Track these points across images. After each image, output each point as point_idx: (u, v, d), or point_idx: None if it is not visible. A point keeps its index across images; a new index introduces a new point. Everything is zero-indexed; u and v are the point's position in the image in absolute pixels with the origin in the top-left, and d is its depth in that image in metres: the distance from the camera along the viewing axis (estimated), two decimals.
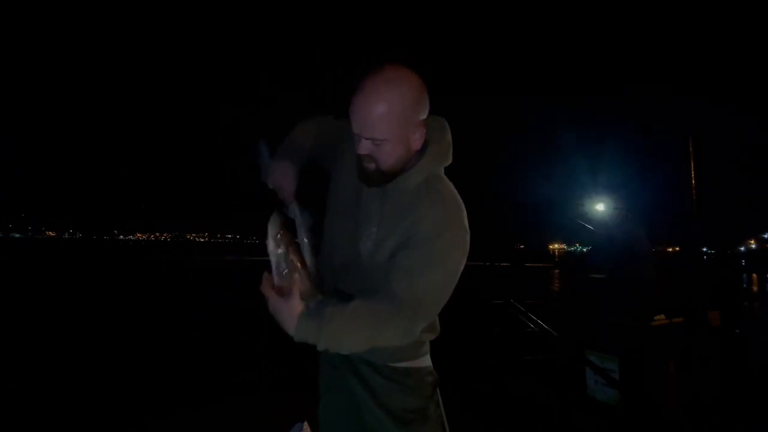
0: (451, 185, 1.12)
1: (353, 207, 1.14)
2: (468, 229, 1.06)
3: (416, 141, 1.06)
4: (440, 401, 1.20)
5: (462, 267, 1.05)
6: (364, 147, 1.03)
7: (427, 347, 1.20)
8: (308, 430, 1.32)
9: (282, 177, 1.12)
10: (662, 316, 3.04)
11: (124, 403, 3.50)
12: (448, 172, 1.15)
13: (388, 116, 0.98)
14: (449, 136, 1.14)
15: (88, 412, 3.32)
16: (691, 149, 3.03)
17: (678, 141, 3.09)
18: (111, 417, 3.18)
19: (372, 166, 1.05)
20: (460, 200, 1.10)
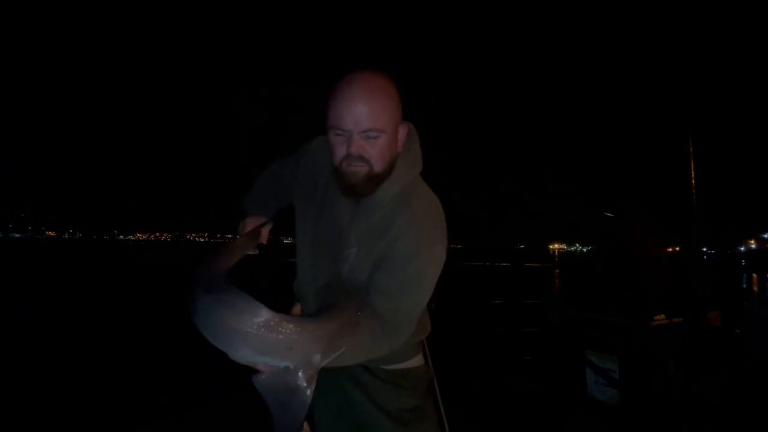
0: (427, 194, 1.10)
1: (322, 230, 1.11)
2: (444, 241, 1.04)
3: (401, 139, 1.05)
4: (439, 399, 1.20)
5: (437, 278, 1.04)
6: (357, 144, 0.96)
7: (419, 347, 1.20)
8: (308, 430, 1.32)
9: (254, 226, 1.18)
10: (662, 316, 3.04)
11: (124, 403, 3.50)
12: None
13: (388, 106, 0.97)
14: (417, 142, 1.11)
15: (88, 412, 3.32)
16: (691, 149, 3.03)
17: (678, 139, 3.09)
18: (111, 417, 3.18)
19: (363, 169, 0.98)
20: (437, 210, 1.08)
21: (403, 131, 1.04)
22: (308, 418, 1.33)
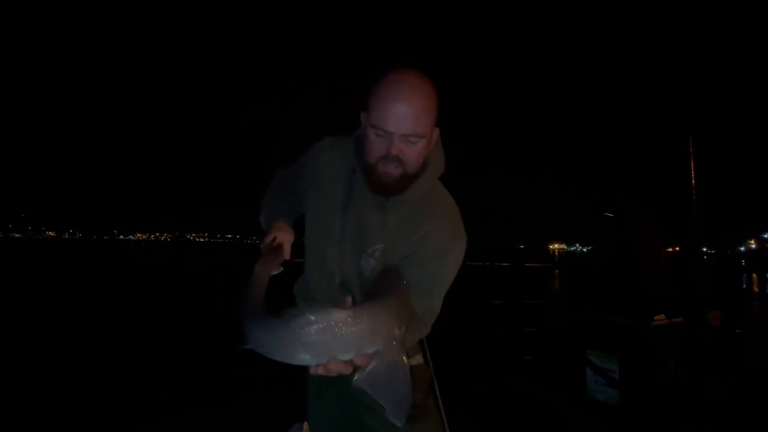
0: (448, 196, 1.13)
1: (345, 226, 1.10)
2: (465, 237, 1.09)
3: (434, 141, 1.05)
4: (439, 399, 1.20)
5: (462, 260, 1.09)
6: (398, 147, 0.96)
7: (418, 346, 1.20)
8: (308, 430, 1.31)
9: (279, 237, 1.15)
10: (662, 316, 3.04)
11: (124, 403, 3.50)
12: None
13: (431, 111, 0.97)
14: (440, 143, 1.12)
15: (88, 412, 3.32)
16: (691, 149, 3.03)
17: (678, 139, 3.09)
18: (111, 417, 3.18)
19: (398, 171, 0.98)
20: (456, 207, 1.12)
21: (436, 133, 1.04)
22: (308, 418, 1.33)
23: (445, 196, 1.11)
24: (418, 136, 0.96)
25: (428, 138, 0.99)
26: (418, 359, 1.19)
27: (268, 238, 1.14)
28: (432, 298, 1.03)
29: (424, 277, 1.00)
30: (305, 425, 1.32)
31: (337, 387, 1.15)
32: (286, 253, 1.15)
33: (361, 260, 1.06)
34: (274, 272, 1.08)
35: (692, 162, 3.00)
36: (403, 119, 0.93)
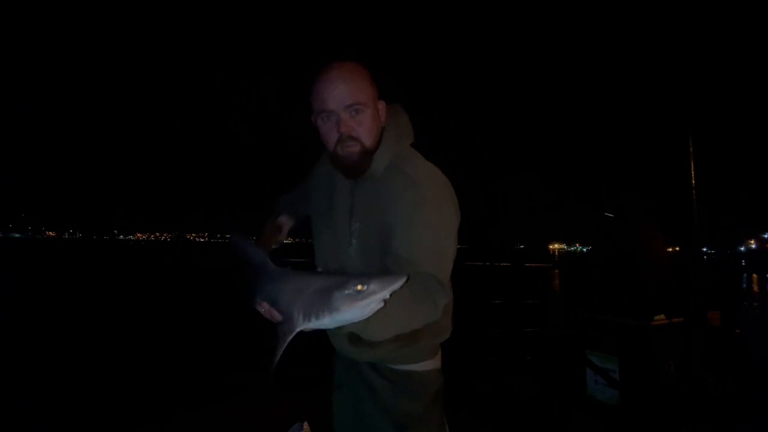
0: (422, 163, 1.12)
1: (331, 211, 1.16)
2: (447, 199, 1.06)
3: (382, 113, 1.11)
4: (443, 408, 1.18)
5: (454, 234, 1.06)
6: (346, 122, 1.03)
7: (434, 351, 1.17)
8: (308, 430, 1.32)
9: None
10: (662, 316, 3.03)
11: (124, 403, 3.50)
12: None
13: (364, 81, 1.05)
14: (405, 116, 1.17)
15: (89, 412, 3.32)
16: (691, 149, 3.03)
17: (678, 139, 3.09)
18: (111, 417, 3.18)
19: (356, 147, 1.04)
20: (436, 175, 1.10)
21: (382, 106, 1.11)
22: (308, 418, 1.33)
23: (414, 165, 1.10)
24: (359, 105, 1.03)
25: (372, 109, 1.06)
26: (429, 365, 1.16)
27: (270, 220, 1.38)
28: (416, 268, 0.96)
29: (401, 245, 1.00)
30: (305, 425, 1.32)
31: (351, 381, 1.20)
32: (283, 234, 1.38)
33: (346, 244, 1.11)
34: (273, 246, 1.32)
35: (692, 162, 3.00)
36: (339, 92, 1.01)
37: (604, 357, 3.12)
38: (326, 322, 0.82)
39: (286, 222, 1.38)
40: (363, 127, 1.04)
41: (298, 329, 0.84)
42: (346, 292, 0.78)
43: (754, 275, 32.39)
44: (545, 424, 3.08)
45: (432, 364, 1.16)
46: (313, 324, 0.83)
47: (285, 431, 1.32)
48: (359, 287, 0.78)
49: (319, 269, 1.18)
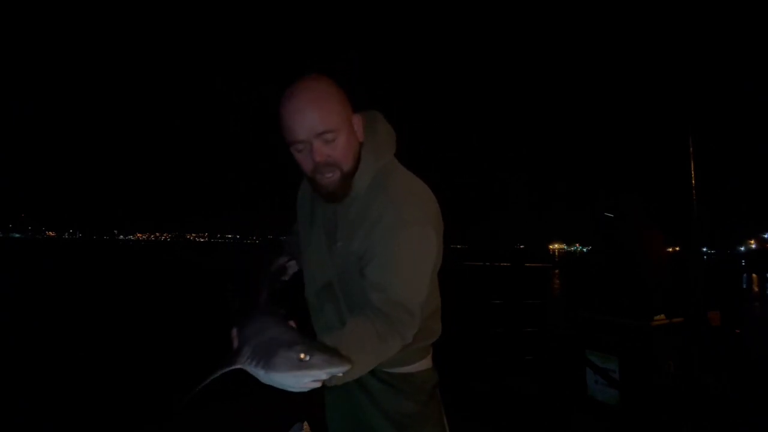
0: (404, 176, 1.08)
1: (316, 229, 1.14)
2: (427, 222, 1.01)
3: (358, 129, 1.04)
4: (441, 404, 1.19)
5: (433, 257, 1.02)
6: (319, 151, 0.97)
7: (425, 351, 1.18)
8: (308, 430, 1.32)
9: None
10: (662, 316, 3.03)
11: (123, 403, 3.50)
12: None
13: (334, 104, 0.97)
14: (384, 126, 1.11)
15: (89, 412, 3.32)
16: (691, 149, 3.03)
17: (678, 139, 3.09)
18: (111, 417, 3.18)
19: (335, 175, 1.00)
20: (419, 191, 1.06)
21: (357, 121, 1.04)
22: (308, 418, 1.33)
23: (397, 182, 1.06)
24: (331, 131, 0.96)
25: (346, 130, 1.00)
26: (423, 365, 1.17)
27: (275, 261, 1.34)
28: (387, 291, 0.95)
29: (374, 271, 0.98)
30: (305, 425, 1.32)
31: (343, 386, 1.18)
32: (288, 274, 1.35)
33: (329, 264, 1.10)
34: (276, 286, 1.26)
35: (692, 162, 3.00)
36: (309, 121, 0.95)
37: (604, 357, 3.12)
38: (261, 375, 0.78)
39: (291, 266, 1.33)
40: (338, 152, 0.99)
41: (238, 366, 0.82)
42: (289, 353, 0.74)
43: (754, 275, 32.40)
44: (545, 424, 3.08)
45: (426, 363, 1.17)
46: (252, 371, 0.80)
47: (285, 431, 1.32)
48: (302, 356, 0.73)
49: (307, 294, 1.19)
